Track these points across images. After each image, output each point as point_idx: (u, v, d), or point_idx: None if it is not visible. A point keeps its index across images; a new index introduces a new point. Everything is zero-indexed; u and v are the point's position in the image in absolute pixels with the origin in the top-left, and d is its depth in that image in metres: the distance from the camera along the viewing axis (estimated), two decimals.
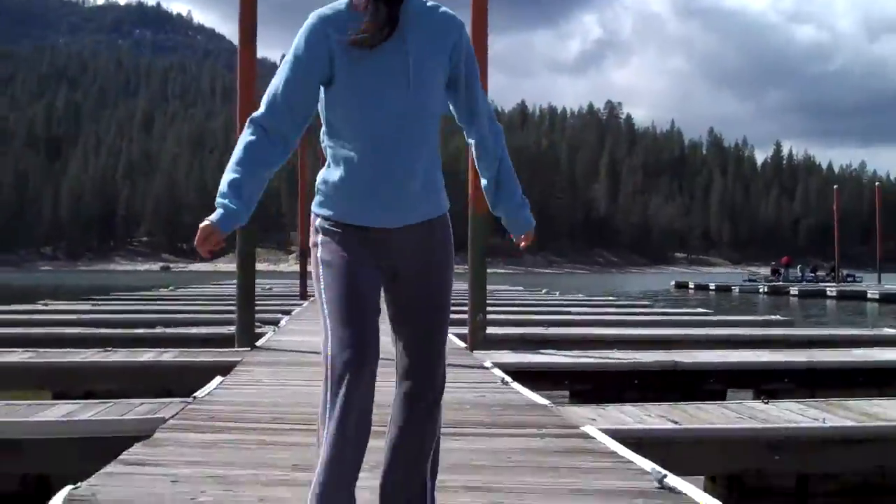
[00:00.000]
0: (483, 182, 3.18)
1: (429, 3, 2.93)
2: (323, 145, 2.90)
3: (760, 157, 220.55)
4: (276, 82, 2.84)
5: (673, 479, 3.88)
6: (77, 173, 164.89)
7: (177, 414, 5.51)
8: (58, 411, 5.92)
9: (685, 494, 3.72)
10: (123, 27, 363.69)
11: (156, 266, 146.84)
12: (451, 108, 3.03)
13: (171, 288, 32.27)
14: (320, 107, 2.88)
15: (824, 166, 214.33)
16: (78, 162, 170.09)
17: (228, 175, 2.77)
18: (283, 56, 2.91)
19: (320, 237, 2.88)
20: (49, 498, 3.51)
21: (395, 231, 2.87)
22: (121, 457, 4.19)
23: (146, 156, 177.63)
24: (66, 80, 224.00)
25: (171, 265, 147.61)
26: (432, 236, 2.95)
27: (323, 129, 2.91)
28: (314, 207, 2.91)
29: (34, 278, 78.73)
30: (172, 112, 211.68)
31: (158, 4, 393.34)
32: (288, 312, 16.55)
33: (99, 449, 4.95)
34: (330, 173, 2.87)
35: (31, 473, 5.54)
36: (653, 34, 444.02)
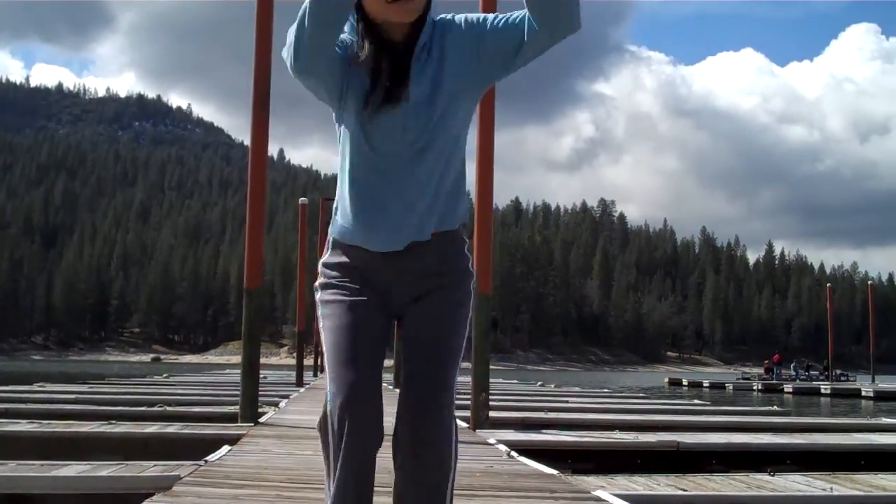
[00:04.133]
0: None
1: (437, 19, 2.68)
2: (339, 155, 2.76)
3: (753, 256, 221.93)
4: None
5: None
6: (72, 262, 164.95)
7: (191, 473, 5.56)
8: (71, 470, 5.96)
9: None
10: (123, 119, 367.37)
11: (147, 357, 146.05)
12: (502, 49, 2.60)
13: (165, 375, 32.19)
14: (334, 115, 2.73)
15: (816, 267, 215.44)
16: (73, 251, 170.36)
17: None
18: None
19: (324, 272, 2.79)
20: None
21: (399, 253, 2.70)
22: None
23: (141, 246, 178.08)
24: (64, 169, 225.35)
25: (162, 356, 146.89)
26: (442, 250, 2.75)
27: (338, 135, 2.75)
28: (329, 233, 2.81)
29: (25, 366, 78.17)
30: (169, 203, 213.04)
31: (158, 97, 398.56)
32: (286, 397, 16.53)
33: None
34: (339, 190, 2.77)
35: None
36: (645, 133, 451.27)
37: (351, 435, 2.60)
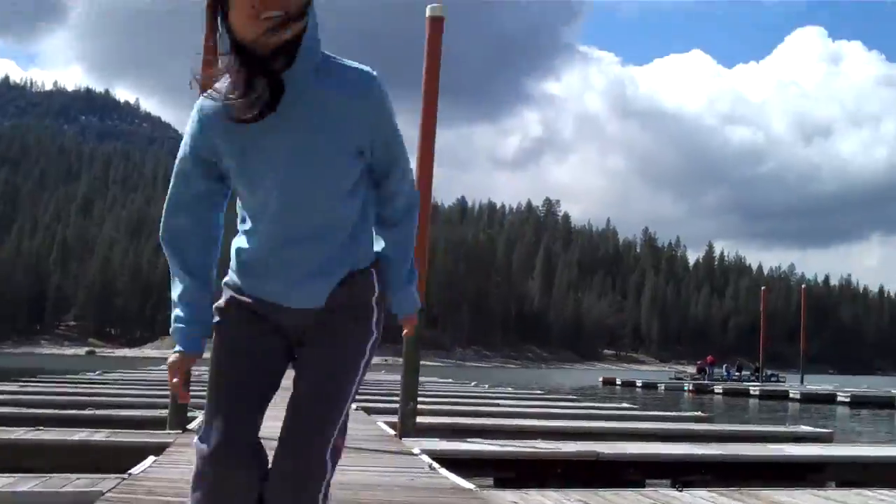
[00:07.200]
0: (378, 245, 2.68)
1: (336, 61, 2.46)
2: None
3: (693, 257, 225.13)
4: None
5: None
6: (10, 255, 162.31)
7: (114, 488, 5.66)
8: None
9: None
10: (70, 113, 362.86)
11: (82, 350, 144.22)
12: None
13: (98, 372, 31.89)
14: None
15: (755, 267, 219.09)
16: (12, 244, 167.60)
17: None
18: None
19: (217, 312, 2.62)
20: None
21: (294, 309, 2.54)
22: None
23: (82, 240, 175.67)
24: (7, 162, 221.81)
25: (98, 350, 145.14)
26: (345, 294, 2.54)
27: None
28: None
29: None
30: (113, 197, 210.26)
31: (106, 91, 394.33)
32: None
33: None
34: (236, 241, 2.64)
35: None
36: (592, 134, 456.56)
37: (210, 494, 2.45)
